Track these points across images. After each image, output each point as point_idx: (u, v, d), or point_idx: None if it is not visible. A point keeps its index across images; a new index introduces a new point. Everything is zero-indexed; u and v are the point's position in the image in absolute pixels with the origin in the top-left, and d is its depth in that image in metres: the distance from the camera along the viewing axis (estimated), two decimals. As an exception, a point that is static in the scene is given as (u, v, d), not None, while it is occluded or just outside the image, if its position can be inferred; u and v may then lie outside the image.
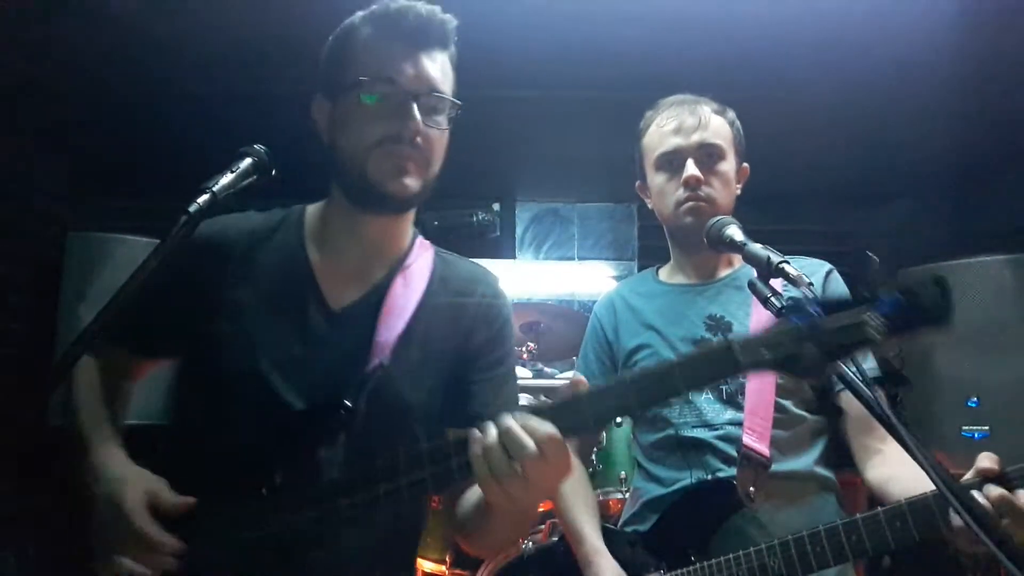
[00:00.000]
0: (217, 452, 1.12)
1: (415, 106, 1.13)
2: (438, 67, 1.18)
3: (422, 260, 1.30)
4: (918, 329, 0.83)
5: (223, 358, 1.16)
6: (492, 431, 0.89)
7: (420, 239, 1.34)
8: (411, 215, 1.30)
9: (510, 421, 0.88)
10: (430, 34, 1.17)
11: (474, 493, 1.15)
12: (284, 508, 1.03)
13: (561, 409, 0.91)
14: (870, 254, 0.92)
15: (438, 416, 1.21)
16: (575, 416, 0.90)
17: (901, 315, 0.82)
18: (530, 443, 0.86)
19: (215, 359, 1.16)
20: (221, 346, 1.16)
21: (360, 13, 1.20)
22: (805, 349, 0.84)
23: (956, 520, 1.08)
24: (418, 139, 1.15)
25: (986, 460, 1.13)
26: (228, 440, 1.12)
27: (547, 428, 0.87)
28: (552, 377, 3.10)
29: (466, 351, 1.25)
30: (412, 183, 1.16)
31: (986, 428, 2.46)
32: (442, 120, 1.19)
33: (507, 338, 1.29)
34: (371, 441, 1.09)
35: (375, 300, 1.22)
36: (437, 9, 1.18)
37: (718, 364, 0.88)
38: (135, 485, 1.06)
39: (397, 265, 1.26)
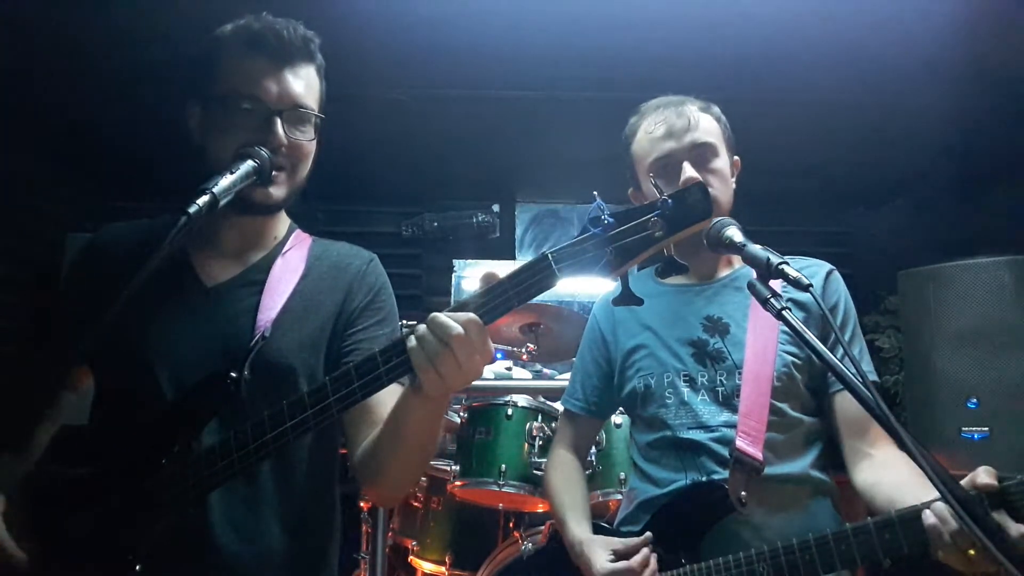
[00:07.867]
0: (117, 432, 1.20)
1: (279, 121, 1.23)
2: (302, 81, 1.27)
3: (300, 245, 1.40)
4: (689, 224, 1.03)
5: (116, 348, 1.24)
6: (422, 326, 1.03)
7: (298, 231, 1.43)
8: (282, 212, 1.39)
9: (435, 314, 1.04)
10: (291, 51, 1.26)
11: (367, 439, 1.26)
12: (199, 463, 1.11)
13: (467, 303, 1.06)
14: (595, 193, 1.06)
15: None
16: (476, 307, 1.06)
17: (674, 214, 1.02)
18: (454, 324, 1.01)
19: (110, 351, 1.25)
20: (114, 339, 1.23)
21: (228, 26, 1.27)
22: (607, 252, 1.03)
23: (951, 525, 1.06)
24: (283, 150, 1.24)
25: (985, 475, 1.08)
26: (127, 420, 1.21)
27: (466, 313, 1.03)
28: (552, 378, 3.09)
29: (346, 315, 1.33)
30: (276, 191, 1.26)
31: (986, 429, 2.46)
32: (307, 131, 1.28)
33: (385, 303, 1.37)
34: (262, 406, 1.11)
35: (253, 279, 1.32)
36: (299, 26, 1.28)
37: (541, 274, 1.03)
38: None
39: (276, 251, 1.37)
